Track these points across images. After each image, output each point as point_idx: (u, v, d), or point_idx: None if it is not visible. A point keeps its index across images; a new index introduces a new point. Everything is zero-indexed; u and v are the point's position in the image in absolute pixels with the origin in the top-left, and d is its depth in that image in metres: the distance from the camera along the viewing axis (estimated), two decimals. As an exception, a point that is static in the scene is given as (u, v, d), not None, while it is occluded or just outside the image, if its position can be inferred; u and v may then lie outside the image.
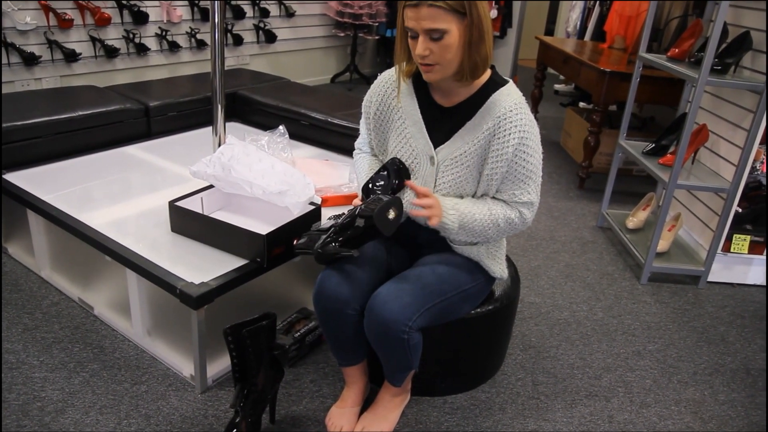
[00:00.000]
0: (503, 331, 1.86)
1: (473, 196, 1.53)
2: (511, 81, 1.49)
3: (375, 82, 1.62)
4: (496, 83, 1.47)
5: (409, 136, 1.53)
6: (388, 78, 1.58)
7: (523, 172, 1.47)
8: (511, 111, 1.42)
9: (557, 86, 6.09)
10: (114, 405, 1.65)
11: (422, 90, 1.54)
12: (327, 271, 1.48)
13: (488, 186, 1.49)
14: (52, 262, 2.20)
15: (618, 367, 2.00)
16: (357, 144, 1.76)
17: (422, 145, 1.51)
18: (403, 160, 1.55)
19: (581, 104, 5.03)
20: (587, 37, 5.06)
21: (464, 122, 1.47)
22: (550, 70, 4.75)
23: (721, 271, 2.57)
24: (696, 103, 2.27)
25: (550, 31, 7.43)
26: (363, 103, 1.64)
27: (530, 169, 1.47)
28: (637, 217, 2.89)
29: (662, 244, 2.62)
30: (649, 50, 2.79)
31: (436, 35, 1.32)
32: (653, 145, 2.69)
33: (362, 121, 1.68)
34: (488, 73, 1.47)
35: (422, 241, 1.63)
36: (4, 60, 3.28)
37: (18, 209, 2.20)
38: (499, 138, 1.42)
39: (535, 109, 4.70)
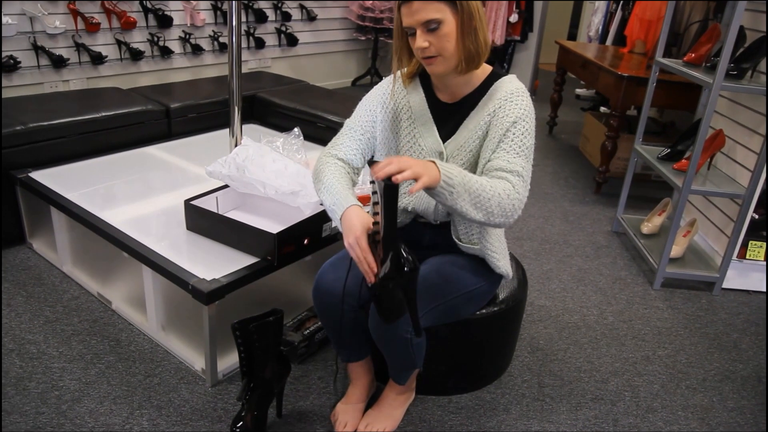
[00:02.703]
0: (509, 333, 1.87)
1: None
2: (513, 75, 1.50)
3: (380, 84, 1.60)
4: (497, 75, 1.49)
5: (417, 135, 1.54)
6: (393, 80, 1.58)
7: (519, 144, 1.40)
8: (512, 94, 1.44)
9: (579, 91, 6.06)
10: (127, 396, 1.71)
11: (427, 89, 1.55)
12: (325, 267, 1.52)
13: (484, 158, 1.44)
14: (73, 257, 2.28)
15: (626, 371, 2.00)
16: (334, 152, 1.56)
17: (430, 143, 1.53)
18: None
19: (602, 109, 5.00)
20: (609, 41, 5.03)
21: (469, 113, 1.49)
22: (572, 75, 4.73)
23: (737, 278, 2.54)
24: (710, 109, 2.26)
25: (572, 35, 7.40)
26: (364, 106, 1.59)
27: (526, 146, 1.41)
28: (652, 223, 2.87)
29: (677, 250, 2.61)
30: (669, 55, 2.78)
31: (432, 26, 1.33)
32: (668, 150, 2.67)
33: (353, 125, 1.59)
34: (489, 68, 1.49)
35: (427, 243, 1.65)
36: (35, 62, 3.39)
37: (42, 206, 2.28)
38: (499, 114, 1.43)
39: (554, 113, 4.69)
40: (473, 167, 1.49)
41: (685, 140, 2.68)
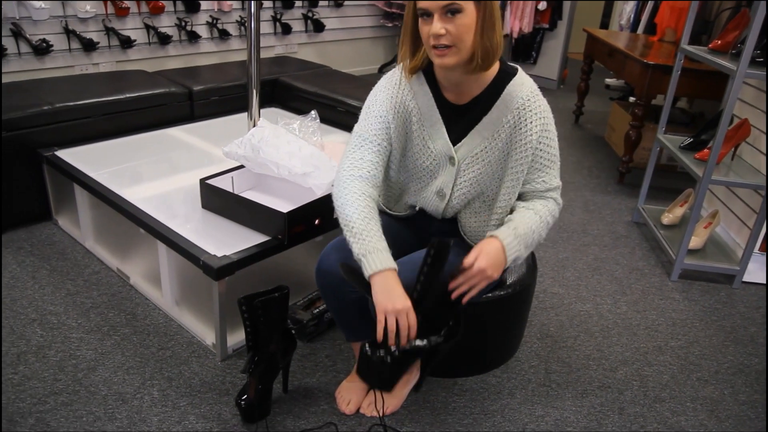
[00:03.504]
0: (517, 318, 1.87)
1: (493, 203, 1.52)
2: (520, 68, 1.48)
3: (384, 87, 1.51)
4: (507, 74, 1.44)
5: (427, 137, 1.50)
6: (398, 80, 1.50)
7: (548, 158, 1.47)
8: (529, 100, 1.42)
9: (608, 80, 5.94)
10: (140, 367, 1.77)
11: (434, 90, 1.49)
12: (328, 248, 1.53)
13: (514, 180, 1.46)
14: (95, 234, 2.35)
15: (636, 361, 1.98)
16: (357, 172, 1.46)
17: (440, 146, 1.49)
18: (423, 164, 1.52)
19: (632, 99, 4.90)
20: (640, 30, 4.91)
21: (480, 117, 1.45)
22: (600, 64, 4.65)
23: (758, 272, 2.49)
24: (734, 97, 2.20)
25: (605, 24, 7.25)
26: (374, 114, 1.49)
27: (554, 153, 1.48)
28: (673, 213, 2.82)
29: (697, 241, 2.56)
30: (699, 43, 2.71)
31: (452, 7, 1.27)
32: (691, 139, 2.62)
33: (367, 136, 1.50)
34: (498, 65, 1.45)
35: (434, 230, 1.65)
36: (66, 46, 3.48)
37: (67, 184, 2.36)
38: (521, 128, 1.42)
39: (580, 103, 4.62)
40: (487, 177, 1.49)
41: (709, 130, 2.62)
